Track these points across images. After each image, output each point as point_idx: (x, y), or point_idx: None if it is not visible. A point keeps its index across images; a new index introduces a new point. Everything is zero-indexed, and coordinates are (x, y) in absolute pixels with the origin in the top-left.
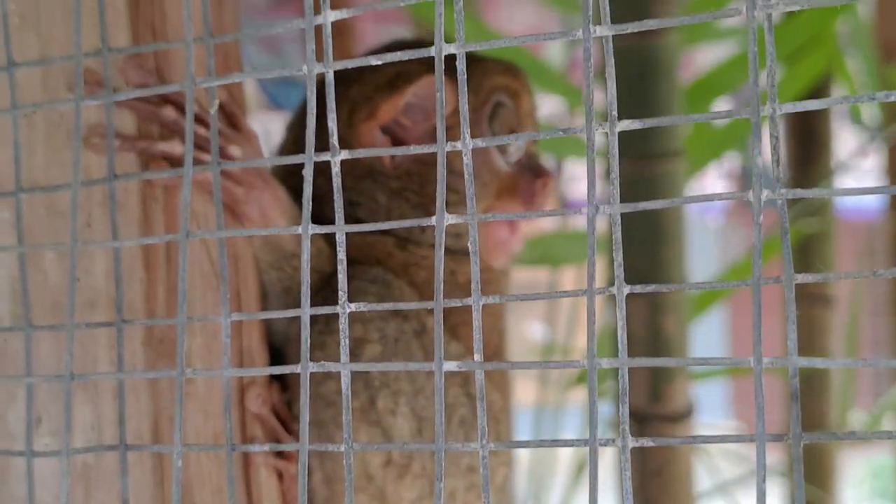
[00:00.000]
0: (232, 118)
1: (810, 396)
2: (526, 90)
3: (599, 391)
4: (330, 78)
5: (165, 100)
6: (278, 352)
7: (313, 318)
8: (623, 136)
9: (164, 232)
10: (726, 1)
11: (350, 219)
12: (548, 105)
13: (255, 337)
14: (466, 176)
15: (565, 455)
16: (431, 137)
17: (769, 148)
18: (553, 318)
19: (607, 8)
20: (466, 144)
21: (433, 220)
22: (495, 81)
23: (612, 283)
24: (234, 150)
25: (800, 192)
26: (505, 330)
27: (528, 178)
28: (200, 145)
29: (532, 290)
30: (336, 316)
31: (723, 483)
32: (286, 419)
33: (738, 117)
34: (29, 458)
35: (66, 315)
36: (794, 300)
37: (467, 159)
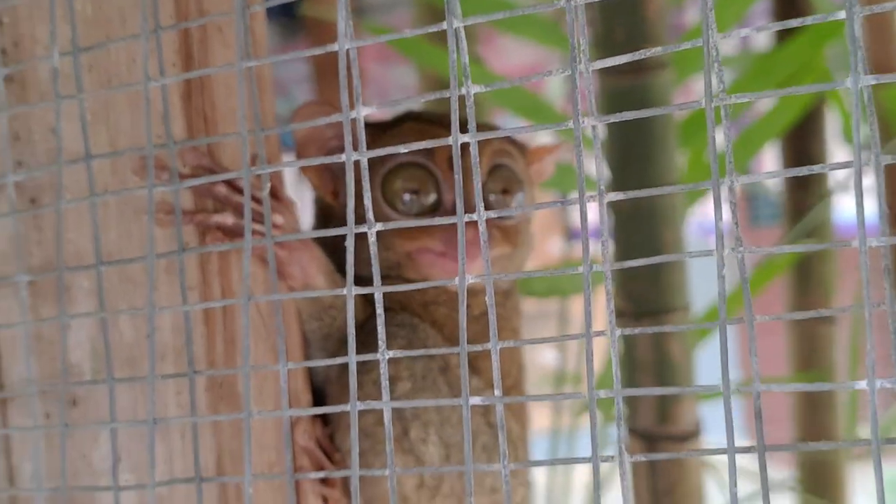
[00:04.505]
0: (274, 190)
1: (818, 410)
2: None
3: (608, 416)
4: (364, 163)
5: None
6: (318, 390)
7: None
8: (620, 168)
9: (220, 292)
10: (722, 29)
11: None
12: (544, 139)
13: (299, 379)
14: (482, 243)
15: (580, 476)
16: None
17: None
18: (565, 345)
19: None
20: (480, 215)
21: (456, 281)
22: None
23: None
24: (277, 218)
25: (755, 249)
26: (522, 362)
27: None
28: (252, 217)
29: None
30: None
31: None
32: (328, 451)
33: (701, 188)
34: (115, 493)
35: (141, 367)
36: (755, 337)
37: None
